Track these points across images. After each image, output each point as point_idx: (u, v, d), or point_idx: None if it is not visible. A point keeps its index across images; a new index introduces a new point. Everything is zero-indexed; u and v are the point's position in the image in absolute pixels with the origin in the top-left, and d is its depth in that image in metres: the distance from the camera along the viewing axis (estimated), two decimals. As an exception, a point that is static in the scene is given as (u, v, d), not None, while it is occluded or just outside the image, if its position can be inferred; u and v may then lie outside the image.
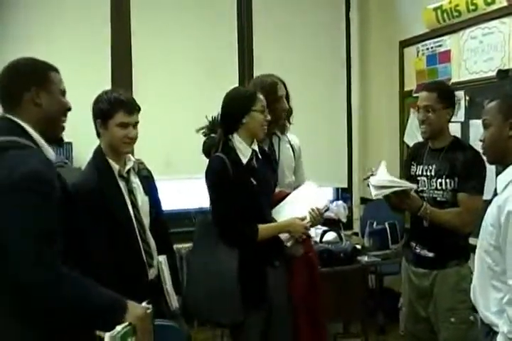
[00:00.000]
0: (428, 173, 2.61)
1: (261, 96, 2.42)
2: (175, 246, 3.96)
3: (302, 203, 2.47)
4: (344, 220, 3.96)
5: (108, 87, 3.80)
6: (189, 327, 3.27)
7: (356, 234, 4.30)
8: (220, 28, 4.39)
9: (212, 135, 2.53)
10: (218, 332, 3.30)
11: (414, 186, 2.52)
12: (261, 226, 2.35)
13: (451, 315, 2.48)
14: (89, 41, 3.96)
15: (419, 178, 2.65)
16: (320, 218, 2.46)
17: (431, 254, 2.53)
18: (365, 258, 3.30)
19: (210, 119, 2.59)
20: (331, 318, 3.11)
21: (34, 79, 1.64)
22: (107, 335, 1.42)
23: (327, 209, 2.60)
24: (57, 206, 1.50)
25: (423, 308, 2.60)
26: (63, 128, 1.73)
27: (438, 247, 2.51)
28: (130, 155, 2.31)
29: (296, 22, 4.56)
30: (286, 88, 2.77)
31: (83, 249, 1.67)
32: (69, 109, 1.72)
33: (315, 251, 2.82)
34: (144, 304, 1.60)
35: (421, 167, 2.65)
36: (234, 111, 2.39)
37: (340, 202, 4.48)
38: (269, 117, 2.45)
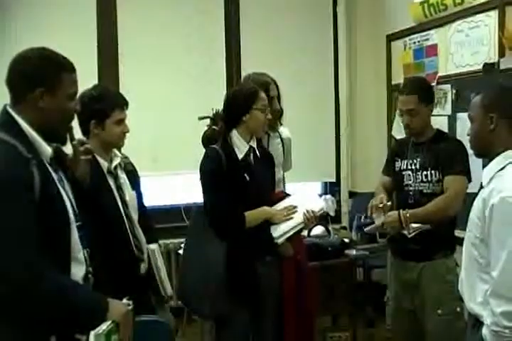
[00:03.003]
0: (413, 167, 2.63)
1: (263, 95, 2.44)
2: (163, 242, 4.02)
3: (299, 204, 2.49)
4: (332, 214, 3.97)
5: (95, 81, 3.79)
6: (178, 321, 3.30)
7: (345, 227, 4.32)
8: (207, 24, 4.36)
9: (214, 127, 2.55)
10: (208, 327, 3.30)
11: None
12: (247, 213, 2.37)
13: (438, 306, 2.50)
14: (75, 37, 3.92)
15: (403, 173, 2.67)
16: (314, 220, 2.47)
17: (417, 247, 2.54)
18: (353, 252, 3.31)
19: (214, 112, 2.60)
20: (319, 312, 3.14)
21: (41, 81, 1.55)
22: (92, 333, 1.42)
23: (323, 214, 2.61)
24: (32, 203, 1.47)
25: (410, 301, 2.62)
26: (67, 130, 1.69)
27: (424, 239, 2.52)
28: (116, 151, 2.30)
29: (283, 16, 4.55)
30: (278, 89, 2.77)
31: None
32: (75, 113, 1.68)
33: (305, 253, 2.83)
34: (124, 301, 1.61)
35: (405, 161, 2.68)
36: (235, 108, 2.42)
37: (328, 196, 4.47)
38: (269, 116, 2.47)
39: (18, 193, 1.45)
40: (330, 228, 3.35)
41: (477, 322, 1.84)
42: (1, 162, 1.46)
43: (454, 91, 3.67)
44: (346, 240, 3.40)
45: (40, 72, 1.57)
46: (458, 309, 2.44)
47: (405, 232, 2.50)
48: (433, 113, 3.75)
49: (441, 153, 2.55)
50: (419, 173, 2.60)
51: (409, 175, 2.64)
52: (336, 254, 3.21)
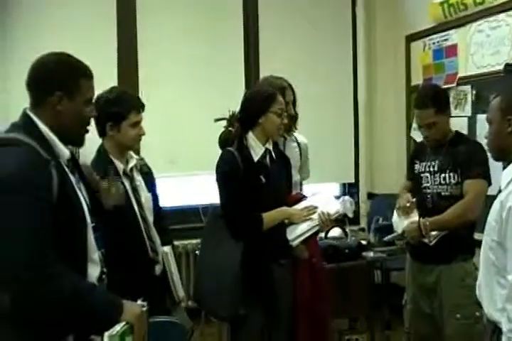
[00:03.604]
0: (431, 169, 2.61)
1: (280, 99, 2.43)
2: (181, 243, 4.05)
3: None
4: (351, 216, 3.95)
5: (114, 84, 3.83)
6: (196, 322, 3.31)
7: (363, 229, 4.29)
8: (225, 28, 4.38)
9: (230, 129, 2.55)
10: (225, 327, 3.30)
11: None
12: (264, 215, 2.36)
13: (457, 311, 2.47)
14: (95, 40, 3.97)
15: (422, 175, 2.65)
16: (329, 223, 2.46)
17: (436, 250, 2.51)
18: (371, 254, 3.28)
19: (231, 113, 2.60)
20: (336, 314, 3.12)
21: (60, 85, 1.59)
22: (106, 334, 1.42)
23: (339, 217, 2.59)
24: (50, 204, 1.48)
25: (427, 305, 2.59)
26: (83, 134, 1.70)
27: (443, 243, 2.49)
28: (132, 153, 2.32)
29: (301, 18, 4.54)
30: (294, 93, 2.76)
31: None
32: (92, 117, 1.70)
33: (320, 256, 2.82)
34: (139, 302, 1.61)
35: (424, 164, 2.65)
36: (251, 110, 2.41)
37: (347, 198, 4.44)
38: (286, 120, 2.46)
39: (36, 194, 1.47)
40: (347, 230, 3.33)
41: (496, 329, 1.82)
42: (22, 163, 1.48)
43: (474, 92, 3.64)
44: (364, 242, 3.37)
45: (60, 77, 1.60)
46: (477, 313, 2.40)
47: (426, 241, 2.48)
48: (452, 114, 3.75)
49: (460, 156, 2.52)
50: (438, 175, 2.57)
51: (427, 177, 2.62)
52: (353, 256, 3.19)
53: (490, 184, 2.50)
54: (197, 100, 4.18)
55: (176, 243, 3.91)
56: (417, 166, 2.70)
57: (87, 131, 1.71)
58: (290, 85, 2.74)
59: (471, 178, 2.47)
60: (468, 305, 2.41)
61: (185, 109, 4.19)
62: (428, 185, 2.61)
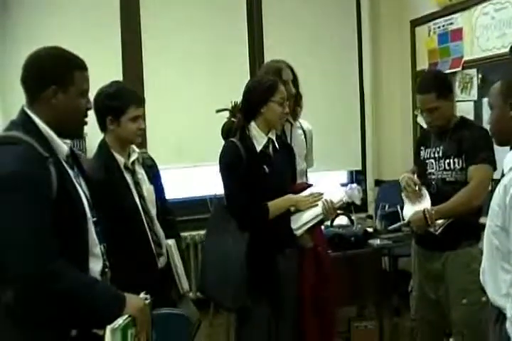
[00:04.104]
0: (436, 155, 2.60)
1: (282, 88, 2.42)
2: (189, 234, 4.07)
3: None
4: (358, 203, 3.95)
5: (119, 77, 3.84)
6: (205, 312, 3.33)
7: (370, 216, 4.28)
8: (229, 17, 4.35)
9: (233, 119, 2.54)
10: (233, 318, 3.33)
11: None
12: (269, 204, 2.36)
13: (463, 296, 2.46)
14: (98, 32, 3.97)
15: (427, 161, 2.64)
16: (333, 211, 2.45)
17: (441, 235, 2.49)
18: (377, 242, 3.27)
19: (233, 104, 2.60)
20: (344, 302, 3.13)
21: (54, 79, 1.58)
22: (108, 328, 1.43)
23: (342, 205, 2.58)
24: (49, 201, 1.49)
25: (434, 291, 2.59)
26: (81, 126, 1.70)
27: (448, 228, 2.48)
28: (134, 146, 2.33)
29: (305, 5, 4.49)
30: (294, 73, 2.74)
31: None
32: (88, 109, 1.70)
33: (325, 245, 2.82)
34: (142, 295, 1.62)
35: (429, 150, 2.64)
36: (252, 100, 2.41)
37: (354, 185, 4.44)
38: (287, 110, 2.45)
39: (35, 191, 1.48)
40: (353, 218, 3.32)
41: (500, 315, 1.81)
42: (20, 161, 1.49)
43: (479, 75, 3.60)
44: (370, 230, 3.37)
45: (53, 70, 1.60)
46: (483, 299, 2.38)
47: (431, 230, 2.47)
48: (459, 98, 3.73)
49: (465, 141, 2.50)
50: (442, 161, 2.56)
51: (432, 163, 2.61)
52: (359, 244, 3.18)
53: (495, 169, 2.47)
54: (202, 91, 4.16)
55: (184, 234, 3.98)
56: (422, 152, 2.69)
57: (85, 123, 1.71)
58: (289, 66, 2.73)
59: (476, 164, 2.45)
60: (474, 290, 2.39)
61: (191, 100, 4.18)
62: (433, 171, 2.60)
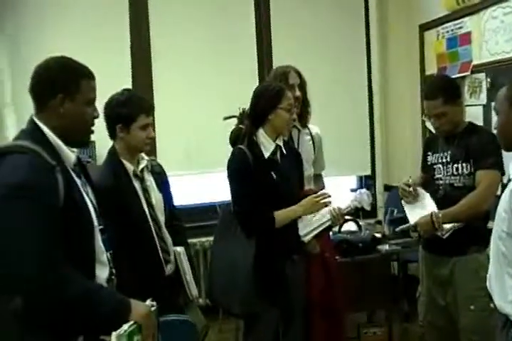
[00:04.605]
0: (443, 160, 2.58)
1: (289, 95, 2.43)
2: (198, 240, 4.08)
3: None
4: (368, 208, 3.95)
5: (129, 84, 3.88)
6: (214, 318, 3.34)
7: (380, 222, 4.26)
8: (238, 24, 4.37)
9: (241, 126, 2.56)
10: (241, 324, 3.33)
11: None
12: (276, 213, 2.36)
13: (471, 302, 2.45)
14: (108, 39, 4.01)
15: (434, 166, 2.62)
16: (340, 218, 2.46)
17: (449, 242, 2.48)
18: (386, 247, 3.26)
19: (241, 111, 2.61)
20: (353, 308, 3.12)
21: (62, 88, 1.62)
22: (113, 334, 1.44)
23: (350, 211, 2.58)
24: (56, 209, 1.51)
25: (442, 296, 2.57)
26: (88, 134, 1.73)
27: (456, 234, 2.46)
28: (143, 154, 2.35)
29: (314, 9, 4.50)
30: (301, 78, 2.75)
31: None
32: (95, 117, 1.72)
33: (333, 250, 2.82)
34: (148, 302, 1.62)
35: (436, 155, 2.63)
36: (260, 107, 2.42)
37: (363, 190, 4.43)
38: (295, 116, 2.46)
39: (43, 199, 1.50)
40: (361, 223, 3.32)
41: (508, 321, 1.80)
42: (28, 169, 1.51)
43: (488, 80, 3.58)
44: (378, 235, 3.36)
45: (60, 79, 1.63)
46: (492, 305, 2.38)
47: (439, 234, 2.46)
48: (467, 103, 3.71)
49: (472, 146, 2.48)
50: (450, 166, 2.55)
51: (439, 168, 2.60)
52: (367, 250, 3.17)
53: (503, 174, 2.46)
54: (212, 98, 4.18)
55: (193, 240, 4.01)
56: (429, 158, 2.68)
57: (91, 132, 1.74)
58: (297, 71, 2.73)
59: (484, 169, 2.43)
60: (482, 296, 2.37)
61: (200, 107, 4.19)
62: (440, 176, 2.59)
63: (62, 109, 1.62)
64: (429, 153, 2.69)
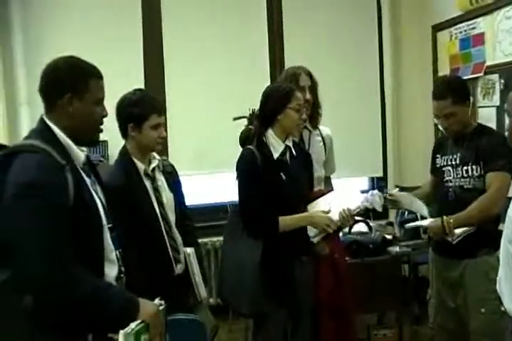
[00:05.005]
0: (453, 162, 2.57)
1: (298, 95, 2.43)
2: (210, 240, 4.10)
3: (335, 203, 2.47)
4: (380, 210, 3.94)
5: (141, 85, 3.90)
6: (224, 318, 3.35)
7: (391, 223, 4.24)
8: (250, 25, 4.39)
9: (250, 126, 2.56)
10: (251, 323, 3.34)
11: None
12: (282, 218, 2.35)
13: (482, 305, 2.43)
14: (120, 39, 4.05)
15: (444, 169, 2.61)
16: (350, 219, 2.45)
17: (459, 244, 2.46)
18: (396, 249, 3.25)
19: (251, 111, 2.62)
20: (364, 310, 3.11)
21: (70, 87, 1.63)
22: (121, 333, 1.45)
23: (360, 212, 2.58)
24: (66, 207, 1.53)
25: (452, 299, 2.56)
26: (96, 133, 1.74)
27: (467, 236, 2.45)
28: (155, 153, 2.36)
29: (326, 10, 4.50)
30: (312, 80, 2.74)
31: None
32: (104, 116, 1.73)
33: (342, 251, 2.81)
34: (156, 301, 1.63)
35: (445, 157, 2.62)
36: (269, 107, 2.42)
37: (375, 192, 4.41)
38: (304, 116, 2.47)
39: (52, 198, 1.51)
40: (372, 224, 3.31)
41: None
42: (38, 169, 1.53)
43: (502, 81, 3.55)
44: (389, 237, 3.35)
45: (68, 78, 1.64)
46: (502, 308, 2.36)
47: (449, 239, 2.45)
48: (481, 104, 3.68)
49: (482, 148, 2.47)
50: (460, 168, 2.53)
51: (449, 170, 2.58)
52: (377, 251, 3.17)
53: None
54: (223, 99, 4.19)
55: (205, 240, 4.03)
56: (438, 160, 2.67)
57: (100, 131, 1.75)
58: (309, 72, 2.72)
59: (494, 171, 2.42)
60: (492, 299, 2.34)
61: (212, 107, 4.22)
62: (450, 178, 2.57)
63: (71, 108, 1.64)
64: (438, 156, 2.68)
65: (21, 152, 1.56)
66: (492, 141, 2.46)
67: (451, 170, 2.57)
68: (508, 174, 2.43)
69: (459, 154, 2.55)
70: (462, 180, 2.52)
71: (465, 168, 2.51)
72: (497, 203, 2.40)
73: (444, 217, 2.44)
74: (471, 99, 2.71)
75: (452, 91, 2.49)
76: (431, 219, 2.52)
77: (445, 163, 2.61)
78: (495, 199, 2.40)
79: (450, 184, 2.56)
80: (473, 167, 2.48)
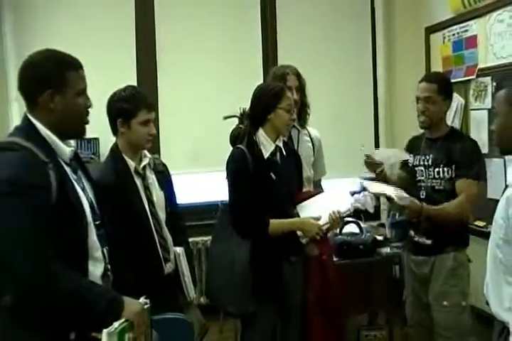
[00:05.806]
0: (425, 163, 2.64)
1: (289, 95, 2.44)
2: (201, 239, 4.09)
3: (325, 204, 2.48)
4: (372, 211, 3.94)
5: (133, 82, 3.90)
6: (214, 318, 3.34)
7: (383, 225, 4.24)
8: (243, 23, 4.40)
9: (241, 126, 2.56)
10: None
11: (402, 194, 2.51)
12: (273, 221, 2.35)
13: (444, 298, 2.52)
14: (113, 36, 4.06)
15: (416, 168, 2.68)
16: (339, 222, 2.47)
17: (429, 241, 2.57)
18: (387, 250, 3.26)
19: (241, 111, 2.61)
20: (354, 311, 3.11)
21: (49, 83, 1.60)
22: (104, 332, 1.44)
23: (349, 215, 2.60)
24: (47, 204, 1.51)
25: (425, 295, 2.63)
26: (83, 125, 1.71)
27: (436, 234, 2.54)
28: (146, 151, 2.35)
29: (319, 11, 4.51)
30: (300, 80, 2.75)
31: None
32: (88, 107, 1.70)
33: (332, 253, 2.83)
34: (141, 299, 1.62)
35: (418, 157, 2.69)
36: (260, 107, 2.42)
37: (367, 193, 4.42)
38: (294, 116, 2.47)
39: (33, 195, 1.50)
40: (363, 225, 3.31)
41: (505, 329, 1.79)
42: (19, 166, 1.51)
43: (494, 83, 3.56)
44: (380, 238, 3.35)
45: (46, 74, 1.61)
46: (463, 303, 2.49)
47: (419, 240, 2.59)
48: (472, 107, 3.70)
49: (455, 152, 2.54)
50: (431, 169, 2.61)
51: (421, 170, 2.66)
52: (368, 252, 3.17)
53: (485, 181, 2.62)
54: (216, 97, 4.19)
55: (196, 239, 4.02)
56: (410, 159, 2.72)
57: (86, 122, 1.72)
58: (297, 73, 2.73)
59: (468, 178, 2.50)
60: (455, 293, 2.49)
61: (204, 106, 4.21)
62: (422, 178, 2.65)
63: (53, 104, 1.61)
64: (411, 155, 2.73)
65: (2, 150, 1.55)
66: (466, 147, 2.54)
67: (424, 171, 2.64)
68: (478, 181, 2.52)
69: (431, 155, 2.62)
70: (434, 181, 2.60)
71: (437, 169, 2.58)
72: (468, 209, 2.52)
73: (424, 205, 2.48)
74: (452, 104, 2.79)
75: (442, 82, 2.61)
76: (411, 198, 2.52)
77: (418, 163, 2.68)
78: (467, 205, 2.50)
79: (422, 184, 2.63)
80: (445, 169, 2.55)
